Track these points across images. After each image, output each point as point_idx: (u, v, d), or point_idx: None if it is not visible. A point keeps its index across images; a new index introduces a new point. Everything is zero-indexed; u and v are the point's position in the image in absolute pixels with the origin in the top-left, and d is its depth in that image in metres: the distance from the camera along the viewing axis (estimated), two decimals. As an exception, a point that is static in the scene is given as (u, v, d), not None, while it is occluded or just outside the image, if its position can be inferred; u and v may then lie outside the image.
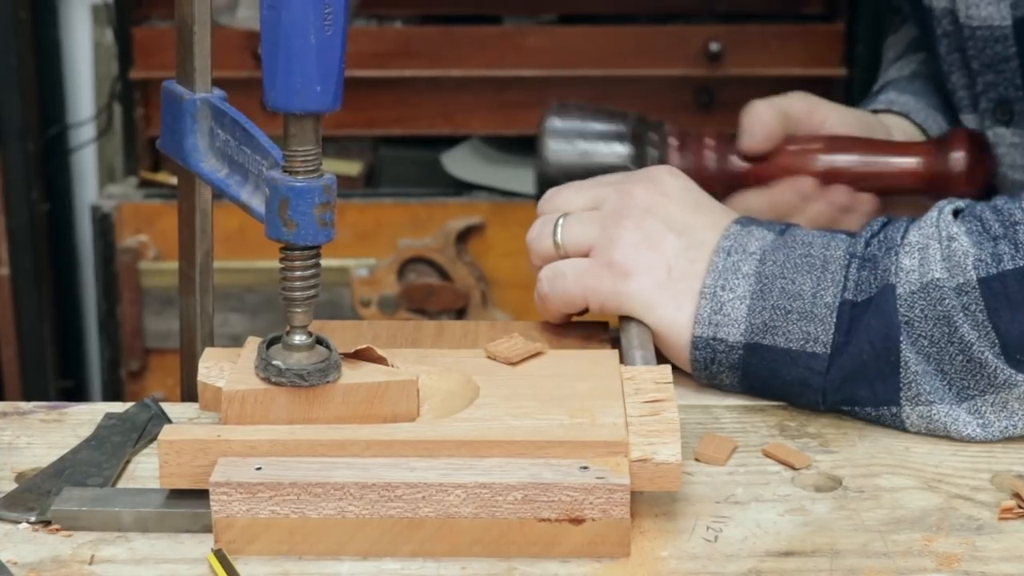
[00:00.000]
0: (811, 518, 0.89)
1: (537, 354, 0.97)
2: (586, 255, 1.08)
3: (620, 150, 1.19)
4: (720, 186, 1.20)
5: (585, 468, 0.84)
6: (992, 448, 0.97)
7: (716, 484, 0.92)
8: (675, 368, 1.03)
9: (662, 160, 1.20)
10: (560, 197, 1.12)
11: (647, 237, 1.05)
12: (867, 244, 1.01)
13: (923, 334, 0.97)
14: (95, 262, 2.50)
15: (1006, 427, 0.97)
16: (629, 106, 2.57)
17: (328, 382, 0.88)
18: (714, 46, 2.43)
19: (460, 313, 2.43)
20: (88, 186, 2.68)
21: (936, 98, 1.30)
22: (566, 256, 1.09)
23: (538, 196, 1.17)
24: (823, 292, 1.00)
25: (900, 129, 1.29)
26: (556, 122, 1.21)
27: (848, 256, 1.01)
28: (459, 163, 2.51)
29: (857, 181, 1.21)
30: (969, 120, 1.27)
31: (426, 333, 1.12)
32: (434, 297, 2.43)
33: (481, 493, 0.83)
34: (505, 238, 2.43)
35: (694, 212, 1.07)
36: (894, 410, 0.98)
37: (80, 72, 2.64)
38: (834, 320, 0.99)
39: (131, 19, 2.52)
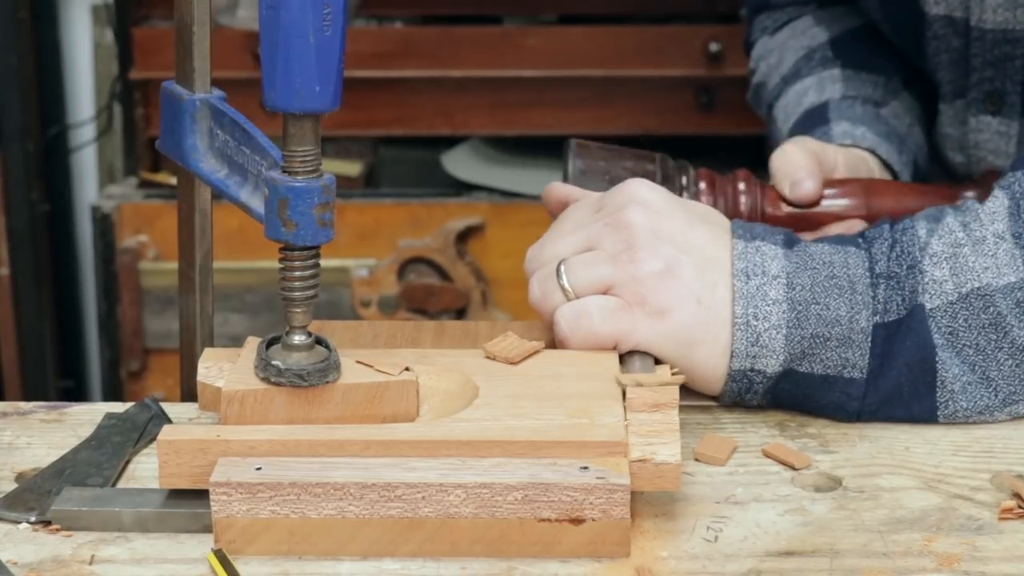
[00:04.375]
0: (811, 518, 0.89)
1: (536, 351, 0.97)
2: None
3: None
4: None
5: (585, 468, 0.84)
6: (992, 448, 0.97)
7: (716, 484, 0.92)
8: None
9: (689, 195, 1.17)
10: (544, 250, 1.03)
11: (668, 266, 0.99)
12: (888, 260, 0.99)
13: (968, 344, 0.97)
14: (95, 262, 2.50)
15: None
16: (629, 106, 2.57)
17: (327, 382, 0.88)
18: (714, 46, 2.43)
19: (460, 313, 2.44)
20: (88, 186, 2.68)
21: (882, 125, 1.29)
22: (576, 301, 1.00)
23: None
24: (857, 316, 0.98)
25: (874, 165, 1.27)
26: (580, 164, 1.17)
27: (871, 275, 0.99)
28: (459, 163, 2.51)
29: None
30: (948, 109, 1.27)
31: (426, 333, 1.12)
32: (434, 297, 2.43)
33: (481, 493, 0.83)
34: (505, 238, 2.43)
35: (689, 226, 1.01)
36: (930, 420, 0.99)
37: (80, 72, 2.64)
38: (869, 344, 0.98)
39: (131, 19, 2.52)
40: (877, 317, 0.98)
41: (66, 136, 2.64)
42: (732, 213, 1.17)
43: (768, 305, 0.98)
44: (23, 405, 1.03)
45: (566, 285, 1.00)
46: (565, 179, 1.17)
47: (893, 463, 0.95)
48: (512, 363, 0.96)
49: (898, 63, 1.34)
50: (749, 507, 0.90)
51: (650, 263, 0.99)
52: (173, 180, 1.83)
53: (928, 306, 0.97)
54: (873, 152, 1.26)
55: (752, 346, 0.98)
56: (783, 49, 1.40)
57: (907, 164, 1.29)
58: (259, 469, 0.84)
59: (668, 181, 1.17)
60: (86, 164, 2.67)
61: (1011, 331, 0.96)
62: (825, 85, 1.32)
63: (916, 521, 0.88)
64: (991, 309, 0.96)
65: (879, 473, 0.94)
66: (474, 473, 0.84)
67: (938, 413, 0.98)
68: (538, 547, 0.84)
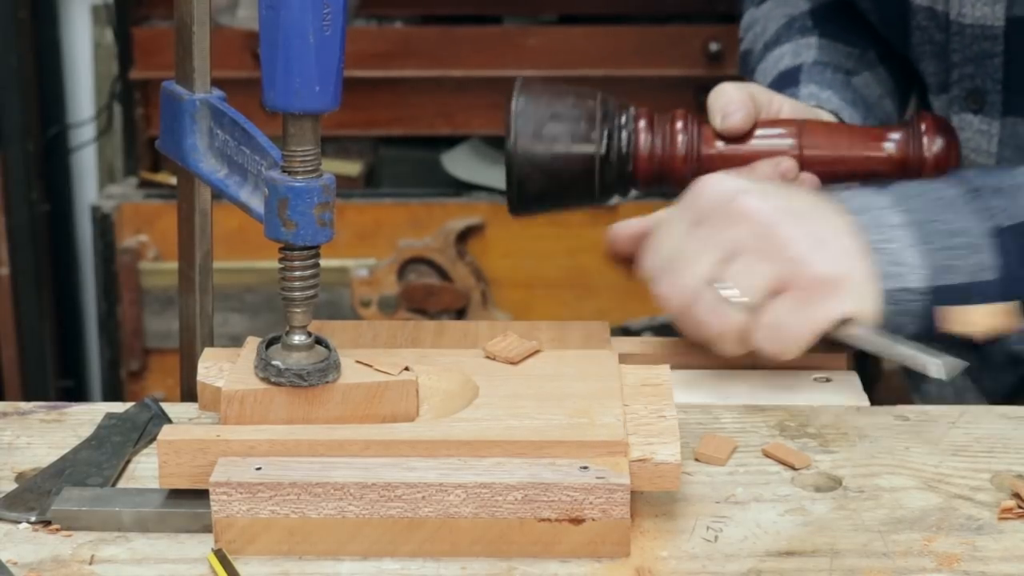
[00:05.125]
0: (811, 518, 0.89)
1: (536, 352, 0.97)
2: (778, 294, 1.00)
3: (591, 134, 1.17)
4: (691, 168, 1.17)
5: (585, 468, 0.84)
6: (992, 448, 0.97)
7: (716, 484, 0.92)
8: (676, 368, 1.02)
9: (631, 143, 1.17)
10: (683, 281, 1.00)
11: (812, 234, 1.00)
12: (981, 177, 1.04)
13: None
14: (95, 262, 2.50)
15: None
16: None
17: (327, 382, 0.88)
18: (714, 46, 2.43)
19: (460, 313, 2.44)
20: (88, 186, 2.68)
21: (850, 92, 1.30)
22: (759, 311, 0.99)
23: (509, 189, 1.15)
24: (971, 225, 1.02)
25: None
26: (523, 101, 1.16)
27: (967, 191, 1.04)
28: (459, 163, 2.51)
29: (832, 165, 1.20)
30: (935, 101, 1.28)
31: (426, 333, 1.12)
32: (434, 297, 2.43)
33: (481, 493, 0.83)
34: (505, 238, 2.43)
35: (787, 191, 1.06)
36: None
37: (80, 72, 2.64)
38: (997, 246, 1.02)
39: (131, 19, 2.52)
40: (994, 222, 1.02)
41: (66, 136, 2.64)
42: (669, 151, 1.18)
43: (893, 229, 1.02)
44: (23, 405, 1.03)
45: (742, 299, 0.98)
46: (508, 118, 1.16)
47: (893, 463, 0.95)
48: (512, 363, 0.96)
49: (874, 37, 1.35)
50: (749, 507, 0.90)
51: (796, 241, 0.99)
52: (173, 180, 1.83)
53: None
54: (837, 115, 1.27)
55: (894, 265, 1.01)
56: (767, 18, 1.41)
57: None
58: (259, 469, 0.84)
59: (608, 120, 1.17)
60: (86, 164, 2.67)
61: None
62: (801, 51, 1.34)
63: (916, 521, 0.88)
64: None
65: (879, 473, 0.94)
66: (474, 473, 0.84)
67: None
68: (538, 547, 0.84)
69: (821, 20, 1.36)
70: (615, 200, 1.20)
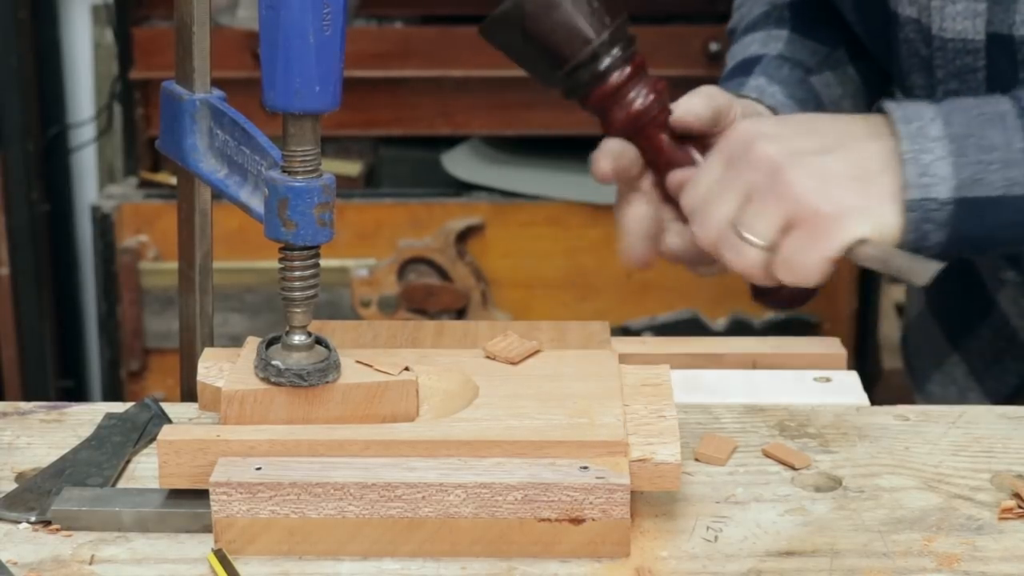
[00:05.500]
0: (811, 518, 0.89)
1: (536, 352, 0.97)
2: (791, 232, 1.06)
3: (601, 30, 1.15)
4: (627, 130, 1.18)
5: (585, 468, 0.84)
6: (992, 448, 0.97)
7: (716, 484, 0.92)
8: (675, 364, 1.03)
9: (612, 67, 1.17)
10: (712, 219, 1.09)
11: (816, 174, 1.06)
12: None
13: None
14: (95, 262, 2.50)
15: None
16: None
17: (327, 382, 0.88)
18: (714, 46, 2.43)
19: (460, 313, 2.43)
20: (88, 186, 2.68)
21: (802, 90, 1.31)
22: (776, 247, 1.06)
23: (485, 25, 1.15)
24: (1012, 140, 1.05)
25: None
26: None
27: (1018, 110, 1.07)
28: (459, 163, 2.51)
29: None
30: None
31: (426, 333, 1.12)
32: (434, 297, 2.43)
33: (481, 493, 0.83)
34: (505, 238, 2.43)
35: (815, 124, 1.10)
36: None
37: (80, 72, 2.64)
38: None
39: (131, 19, 2.52)
40: None
41: (66, 136, 2.64)
42: (626, 100, 1.18)
43: (930, 142, 1.06)
44: (23, 405, 1.03)
45: (756, 240, 1.06)
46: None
47: (893, 463, 0.95)
48: (512, 363, 0.96)
49: (848, 35, 1.35)
50: (749, 507, 0.90)
51: (801, 182, 1.06)
52: (173, 180, 1.83)
53: None
54: (774, 111, 1.28)
55: (923, 176, 1.05)
56: (753, 2, 1.42)
57: None
58: (259, 469, 0.84)
59: (617, 37, 1.17)
60: (86, 164, 2.67)
61: None
62: (769, 42, 1.36)
63: (916, 521, 0.88)
64: None
65: (879, 473, 0.94)
66: (474, 473, 0.84)
67: None
68: (538, 547, 0.84)
69: (797, 13, 1.38)
70: (561, 88, 1.20)
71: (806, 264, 1.05)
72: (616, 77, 1.17)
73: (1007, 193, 1.05)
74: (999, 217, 1.05)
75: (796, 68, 1.32)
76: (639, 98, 1.18)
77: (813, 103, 1.31)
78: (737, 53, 1.37)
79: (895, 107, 1.08)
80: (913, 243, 1.06)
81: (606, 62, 1.17)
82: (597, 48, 1.16)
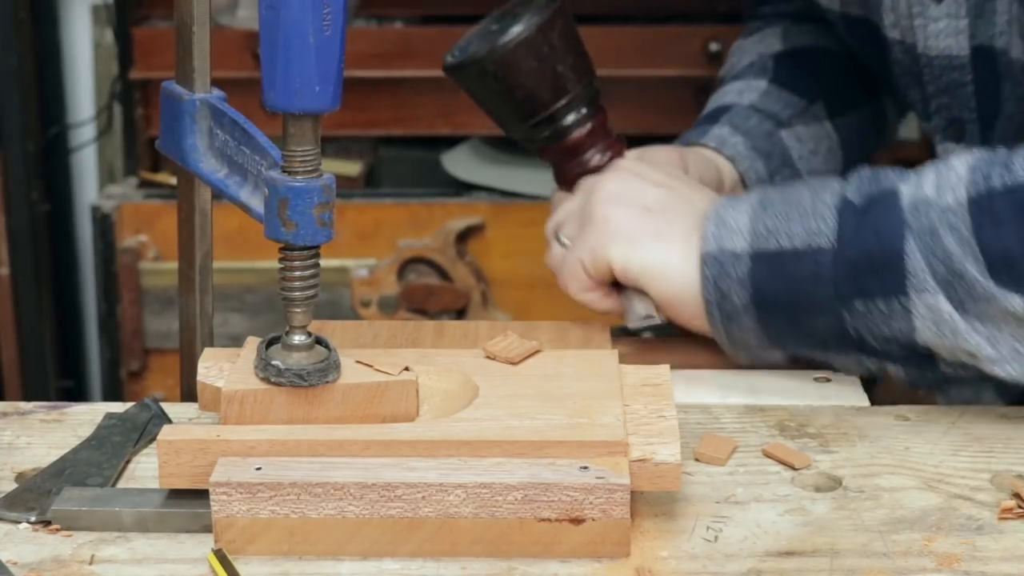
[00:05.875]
0: (811, 518, 0.89)
1: (536, 352, 0.97)
2: None
3: (571, 88, 1.16)
4: (575, 182, 1.19)
5: (585, 468, 0.84)
6: (992, 448, 0.97)
7: (716, 484, 0.92)
8: (676, 368, 1.03)
9: (577, 124, 1.18)
10: (559, 213, 1.18)
11: (625, 188, 1.11)
12: (865, 176, 1.05)
13: (915, 239, 0.99)
14: (95, 262, 2.49)
15: (1013, 348, 0.99)
16: (629, 106, 2.57)
17: (327, 382, 0.88)
18: (714, 46, 2.42)
19: (460, 313, 2.43)
20: (88, 186, 2.67)
21: (767, 142, 1.31)
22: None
23: (473, 50, 1.15)
24: (821, 195, 1.04)
25: (728, 173, 1.29)
26: (536, 36, 1.15)
27: (844, 177, 1.06)
28: (459, 163, 2.51)
29: None
30: (924, 128, 1.28)
31: (426, 333, 1.12)
32: (434, 297, 2.43)
33: (481, 493, 0.83)
34: (505, 238, 2.43)
35: (676, 178, 1.13)
36: (903, 301, 1.00)
37: (80, 72, 2.64)
38: (835, 216, 1.02)
39: (131, 19, 2.51)
40: (847, 194, 1.03)
41: (66, 136, 2.64)
42: (575, 156, 1.19)
43: (740, 203, 1.07)
44: (23, 405, 1.03)
45: (563, 240, 1.15)
46: (507, 37, 1.15)
47: (893, 463, 0.95)
48: (512, 363, 0.96)
49: (831, 92, 1.36)
50: (749, 507, 0.90)
51: (606, 186, 1.12)
52: (173, 180, 1.83)
53: (901, 196, 1.01)
54: (732, 161, 1.29)
55: (720, 228, 1.05)
56: (743, 51, 1.43)
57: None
58: (259, 469, 0.84)
59: (585, 95, 1.17)
60: (86, 164, 2.67)
61: (943, 239, 0.98)
62: (745, 91, 1.36)
63: (916, 521, 0.88)
64: (932, 215, 0.99)
65: (879, 473, 0.94)
66: (474, 473, 0.84)
67: (907, 284, 0.99)
68: (538, 547, 0.84)
69: (779, 64, 1.38)
70: (523, 139, 1.20)
71: (567, 269, 1.12)
72: (575, 135, 1.18)
73: (809, 245, 1.02)
74: (800, 269, 1.02)
75: (766, 120, 1.32)
76: (595, 156, 1.19)
77: (779, 157, 1.31)
78: (713, 101, 1.38)
79: (726, 196, 1.11)
80: (718, 305, 1.05)
81: (567, 121, 1.17)
82: (557, 110, 1.16)
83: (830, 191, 1.04)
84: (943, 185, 1.00)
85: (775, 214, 1.04)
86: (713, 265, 1.04)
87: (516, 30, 1.13)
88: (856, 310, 1.01)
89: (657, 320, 1.09)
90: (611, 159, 1.18)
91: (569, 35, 1.16)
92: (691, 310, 1.07)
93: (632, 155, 1.22)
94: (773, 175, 1.30)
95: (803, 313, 1.03)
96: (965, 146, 1.23)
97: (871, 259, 1.00)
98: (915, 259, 0.99)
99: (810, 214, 1.03)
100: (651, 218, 1.09)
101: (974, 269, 0.97)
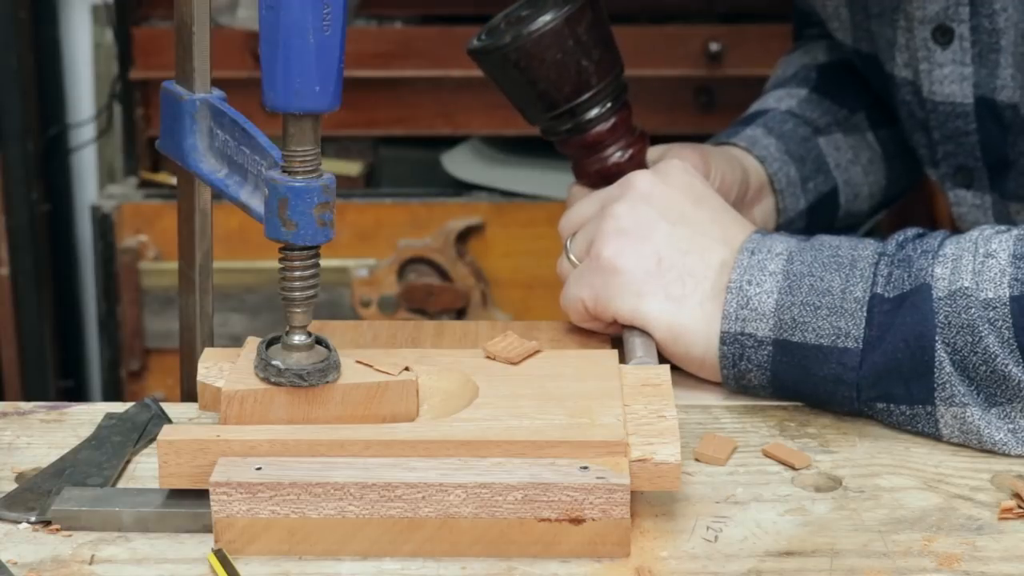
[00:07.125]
0: (811, 518, 0.89)
1: (535, 352, 0.97)
2: None
3: (596, 82, 1.14)
4: (596, 180, 1.18)
5: (585, 468, 0.84)
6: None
7: (716, 484, 0.92)
8: (678, 369, 1.03)
9: (600, 119, 1.16)
10: (573, 213, 1.13)
11: (638, 225, 1.05)
12: (900, 246, 1.00)
13: (948, 340, 0.95)
14: (95, 262, 2.49)
15: None
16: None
17: (327, 382, 0.88)
18: (714, 46, 2.42)
19: (460, 313, 2.43)
20: (88, 186, 2.67)
21: (802, 147, 1.29)
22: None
23: (479, 49, 1.13)
24: (852, 288, 0.99)
25: (756, 173, 1.26)
26: (563, 28, 1.13)
27: (877, 255, 1.00)
28: (459, 163, 2.51)
29: None
30: (931, 174, 1.27)
31: (426, 333, 1.12)
32: (434, 297, 2.43)
33: (481, 493, 0.83)
34: (505, 238, 2.43)
35: (695, 205, 1.06)
36: (929, 409, 0.96)
37: (80, 72, 2.64)
38: (864, 315, 0.98)
39: (131, 19, 2.51)
40: (878, 289, 0.98)
41: (66, 136, 2.64)
42: (599, 154, 1.17)
43: (764, 275, 1.01)
44: (23, 405, 1.03)
45: (571, 257, 1.12)
46: (527, 27, 1.13)
47: (893, 463, 0.95)
48: (512, 363, 0.96)
49: (875, 104, 1.33)
50: (749, 507, 0.90)
51: (619, 220, 1.06)
52: (173, 180, 1.83)
53: (935, 288, 0.96)
54: (762, 162, 1.26)
55: (742, 309, 1.01)
56: (787, 63, 1.41)
57: (810, 192, 1.29)
58: (259, 469, 0.84)
59: (612, 87, 1.15)
60: (86, 164, 2.67)
61: (984, 339, 0.94)
62: (784, 99, 1.34)
63: (916, 521, 0.88)
64: (972, 311, 0.95)
65: (879, 473, 0.94)
66: (474, 473, 0.84)
67: (935, 395, 0.96)
68: (538, 547, 0.84)
69: (823, 75, 1.36)
70: (543, 130, 1.19)
71: (566, 300, 1.09)
72: (596, 130, 1.16)
73: (835, 344, 0.98)
74: (822, 367, 0.99)
75: (803, 126, 1.30)
76: (616, 153, 1.17)
77: (813, 162, 1.28)
78: (752, 107, 1.36)
79: (760, 237, 1.04)
80: (735, 381, 1.03)
81: (589, 115, 1.15)
82: (579, 104, 1.15)
83: (862, 279, 0.99)
84: (983, 275, 0.95)
85: (802, 304, 0.99)
86: (733, 345, 1.01)
87: (543, 20, 1.11)
88: (877, 408, 0.99)
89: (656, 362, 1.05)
90: (632, 157, 1.17)
91: (598, 28, 1.14)
92: (702, 371, 1.04)
93: (654, 154, 1.18)
94: (806, 180, 1.28)
95: (822, 400, 1.01)
96: (975, 192, 1.22)
97: (899, 367, 0.96)
98: (945, 370, 0.95)
99: (839, 310, 0.98)
100: (663, 273, 1.04)
101: (1018, 371, 0.94)
